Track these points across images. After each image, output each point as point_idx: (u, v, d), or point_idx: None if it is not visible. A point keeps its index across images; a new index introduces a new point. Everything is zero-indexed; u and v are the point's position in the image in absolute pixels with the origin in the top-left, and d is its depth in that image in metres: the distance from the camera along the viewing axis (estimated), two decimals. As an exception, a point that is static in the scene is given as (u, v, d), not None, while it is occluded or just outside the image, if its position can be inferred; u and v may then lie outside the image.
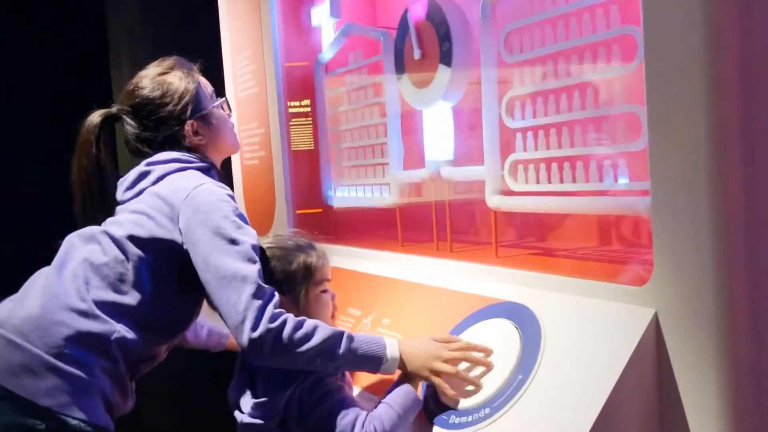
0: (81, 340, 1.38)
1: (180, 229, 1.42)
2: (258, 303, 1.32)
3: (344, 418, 1.31)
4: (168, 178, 1.50)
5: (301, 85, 2.48)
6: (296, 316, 1.34)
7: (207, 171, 1.56)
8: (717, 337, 1.11)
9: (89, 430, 1.36)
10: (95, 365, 1.39)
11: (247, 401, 1.38)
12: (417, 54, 1.86)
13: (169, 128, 1.55)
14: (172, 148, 1.56)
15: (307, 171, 2.51)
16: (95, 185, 1.56)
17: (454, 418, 1.32)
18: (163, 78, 1.57)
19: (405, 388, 1.34)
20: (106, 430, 1.40)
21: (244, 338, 1.31)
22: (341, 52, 2.35)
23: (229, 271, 1.35)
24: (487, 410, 1.28)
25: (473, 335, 1.44)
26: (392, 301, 1.78)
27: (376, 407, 1.34)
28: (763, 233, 1.10)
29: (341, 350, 1.32)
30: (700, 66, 1.10)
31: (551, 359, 1.27)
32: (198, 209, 1.40)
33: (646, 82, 1.18)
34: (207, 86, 1.65)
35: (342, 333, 1.33)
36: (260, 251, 1.41)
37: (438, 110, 1.87)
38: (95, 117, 1.58)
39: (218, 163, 1.64)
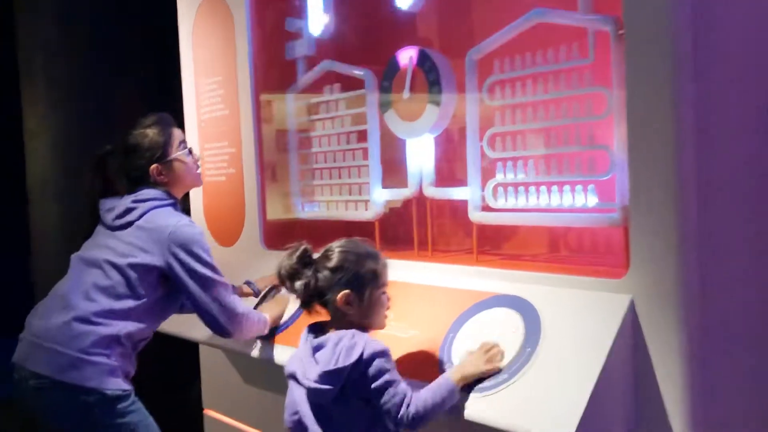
0: (103, 340, 1.98)
1: (166, 257, 2.02)
2: (235, 296, 2.10)
3: (394, 397, 1.61)
4: (149, 214, 2.08)
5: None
6: (359, 312, 1.71)
7: (174, 206, 2.16)
8: (677, 314, 1.57)
9: (120, 394, 1.97)
10: (114, 353, 1.99)
11: (313, 371, 1.66)
12: (407, 94, 2.23)
13: (140, 169, 2.15)
14: (142, 183, 2.15)
15: (277, 187, 2.81)
16: (96, 195, 2.20)
17: (479, 384, 1.69)
18: (142, 131, 2.16)
19: (449, 384, 1.64)
20: (129, 391, 2.02)
21: (233, 319, 2.05)
22: (315, 84, 2.68)
23: (213, 282, 2.05)
24: (506, 375, 1.67)
25: (482, 321, 1.82)
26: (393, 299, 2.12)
27: (420, 390, 1.65)
28: (712, 236, 1.58)
29: None
30: (667, 120, 1.56)
31: (552, 335, 1.68)
32: (182, 242, 2.03)
33: (629, 129, 1.62)
34: (177, 137, 2.21)
35: None
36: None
37: (423, 140, 2.25)
38: (101, 150, 2.22)
39: (181, 195, 2.24)
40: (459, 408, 1.67)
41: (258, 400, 2.74)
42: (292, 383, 1.75)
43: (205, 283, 2.03)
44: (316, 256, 1.77)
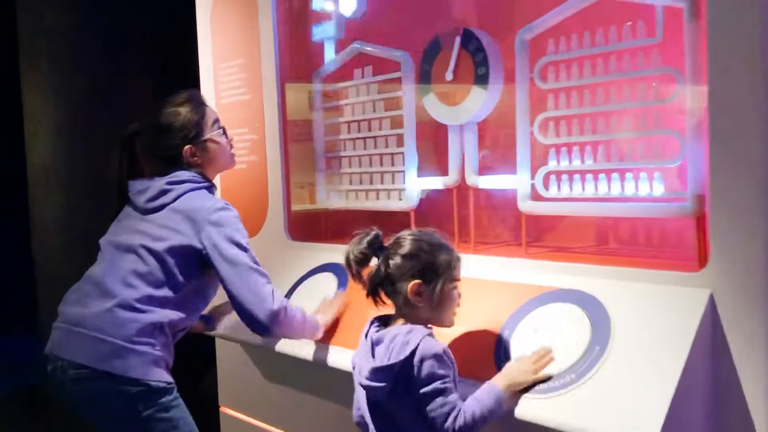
0: (146, 328, 1.86)
1: (201, 239, 1.90)
2: (271, 286, 1.91)
3: (443, 407, 1.49)
4: (185, 196, 1.97)
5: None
6: (428, 305, 1.58)
7: (209, 189, 2.05)
8: (763, 309, 1.46)
9: (164, 386, 1.87)
10: (158, 342, 1.88)
11: (367, 367, 1.55)
12: (450, 76, 2.11)
13: (172, 149, 2.01)
14: (174, 165, 2.02)
15: (301, 175, 2.69)
16: (125, 176, 2.06)
17: (542, 385, 1.58)
18: (175, 110, 2.03)
19: (496, 392, 1.54)
20: (172, 384, 1.91)
21: (266, 311, 1.86)
22: (343, 67, 2.55)
23: (247, 267, 1.90)
24: (573, 375, 1.56)
25: (541, 317, 1.71)
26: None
27: (467, 399, 1.53)
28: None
29: None
30: (754, 104, 1.45)
31: (623, 332, 1.57)
32: (218, 224, 1.91)
33: (710, 114, 1.51)
34: (211, 116, 2.08)
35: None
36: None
37: (466, 125, 2.13)
38: (129, 129, 2.07)
39: (214, 177, 2.12)
40: (523, 410, 1.56)
41: (280, 397, 2.62)
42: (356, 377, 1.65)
43: (241, 269, 1.89)
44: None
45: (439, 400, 1.50)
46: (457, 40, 2.07)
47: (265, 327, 1.88)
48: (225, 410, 2.96)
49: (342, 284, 2.23)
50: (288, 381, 2.57)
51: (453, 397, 1.52)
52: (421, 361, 1.52)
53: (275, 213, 2.66)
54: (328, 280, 2.30)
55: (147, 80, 4.25)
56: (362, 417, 1.60)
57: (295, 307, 1.96)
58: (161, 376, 1.86)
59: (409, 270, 1.59)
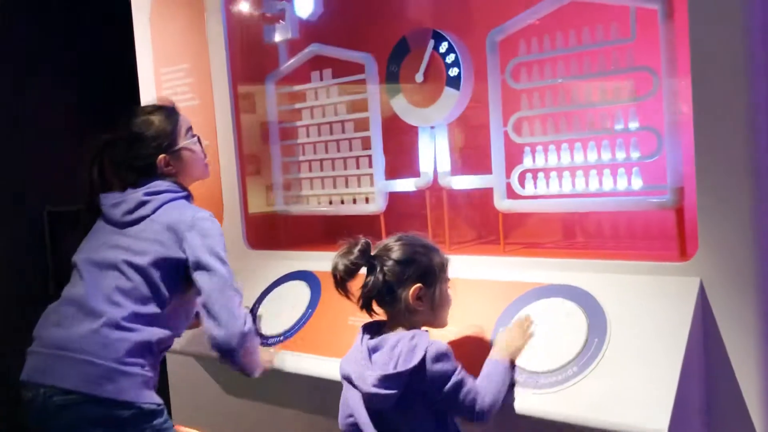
0: (136, 347, 1.77)
1: (184, 248, 1.84)
2: (244, 309, 1.86)
3: (468, 395, 1.53)
4: (164, 207, 1.90)
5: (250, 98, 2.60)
6: (428, 308, 1.60)
7: (188, 198, 1.99)
8: (753, 294, 1.54)
9: (155, 408, 1.78)
10: (147, 362, 1.80)
11: (370, 374, 1.53)
12: (420, 77, 2.11)
13: (146, 159, 1.94)
14: (147, 175, 1.94)
15: (258, 180, 2.62)
16: (96, 189, 1.96)
17: (542, 380, 1.60)
18: (146, 118, 1.96)
19: (503, 366, 1.61)
20: (162, 405, 1.82)
21: (237, 331, 1.78)
22: (299, 69, 2.51)
23: (226, 282, 1.83)
24: (575, 368, 1.59)
25: (534, 313, 1.73)
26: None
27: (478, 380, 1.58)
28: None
29: None
30: (738, 97, 1.53)
31: (619, 323, 1.61)
32: (201, 234, 1.85)
33: (695, 109, 1.58)
34: (184, 124, 2.02)
35: None
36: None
37: (437, 127, 2.14)
38: (99, 141, 1.96)
39: (189, 186, 2.04)
40: (530, 406, 1.58)
41: (241, 410, 2.54)
42: (346, 385, 1.61)
43: (219, 283, 1.82)
44: None
45: (463, 391, 1.53)
46: (431, 42, 2.07)
47: (233, 347, 1.79)
48: (180, 429, 2.84)
49: (315, 293, 2.19)
50: (250, 393, 2.50)
51: (470, 382, 1.56)
52: (434, 363, 1.53)
53: (232, 221, 2.58)
54: (300, 289, 2.25)
55: (76, 92, 4.03)
56: (354, 424, 1.58)
57: (255, 332, 1.89)
58: (152, 398, 1.77)
59: (409, 275, 1.58)
